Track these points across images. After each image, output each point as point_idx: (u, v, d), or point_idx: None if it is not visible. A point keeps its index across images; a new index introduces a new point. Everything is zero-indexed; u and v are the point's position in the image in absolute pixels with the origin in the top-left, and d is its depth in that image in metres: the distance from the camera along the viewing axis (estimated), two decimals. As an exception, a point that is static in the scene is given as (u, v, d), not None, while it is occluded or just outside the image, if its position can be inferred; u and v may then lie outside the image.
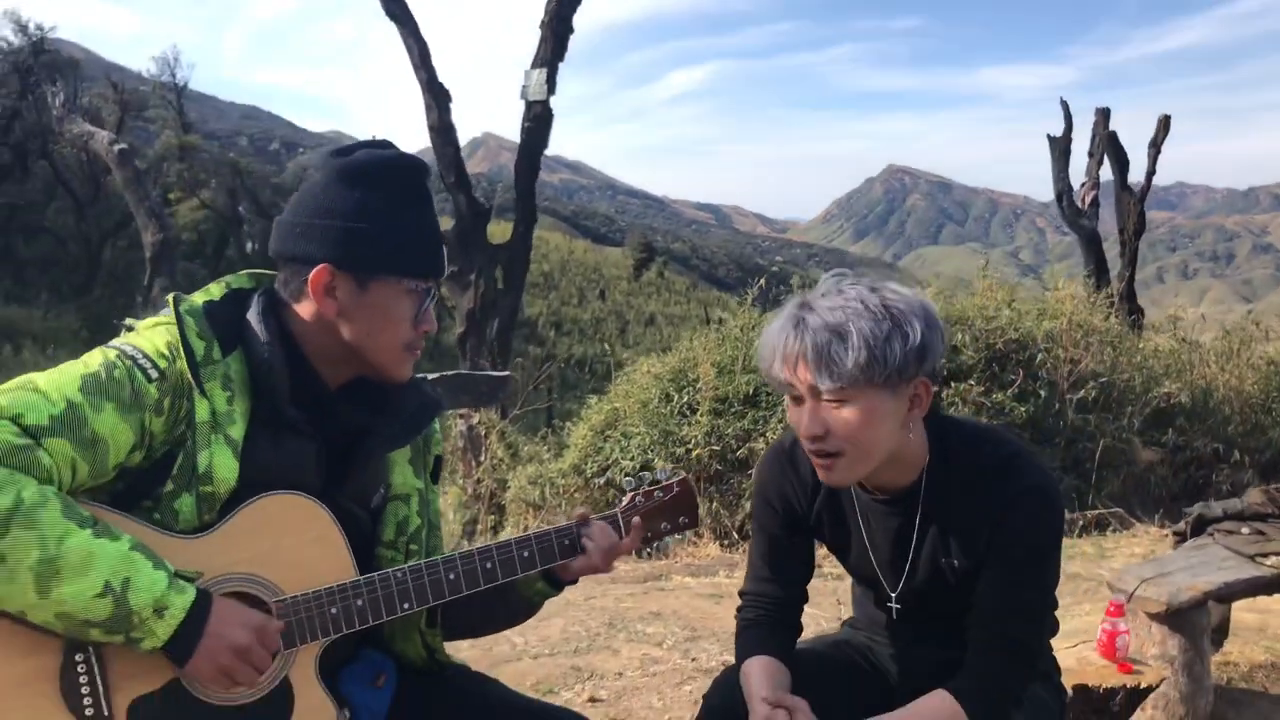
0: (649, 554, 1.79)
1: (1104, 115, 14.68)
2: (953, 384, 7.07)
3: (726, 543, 7.00)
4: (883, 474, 1.69)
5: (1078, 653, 2.59)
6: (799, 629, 1.89)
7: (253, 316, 1.55)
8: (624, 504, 1.76)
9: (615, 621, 4.54)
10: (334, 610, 1.51)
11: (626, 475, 1.84)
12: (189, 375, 1.45)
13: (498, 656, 4.03)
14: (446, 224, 11.72)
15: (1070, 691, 2.29)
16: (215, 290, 1.59)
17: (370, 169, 1.56)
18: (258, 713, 1.47)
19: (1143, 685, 2.41)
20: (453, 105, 10.59)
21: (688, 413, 7.48)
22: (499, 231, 12.52)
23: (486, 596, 1.64)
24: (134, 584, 1.33)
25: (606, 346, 10.57)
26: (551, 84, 10.53)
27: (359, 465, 1.62)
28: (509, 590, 1.68)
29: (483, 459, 8.71)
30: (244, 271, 1.65)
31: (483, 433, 8.72)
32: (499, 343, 10.41)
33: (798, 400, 1.61)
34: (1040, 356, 7.35)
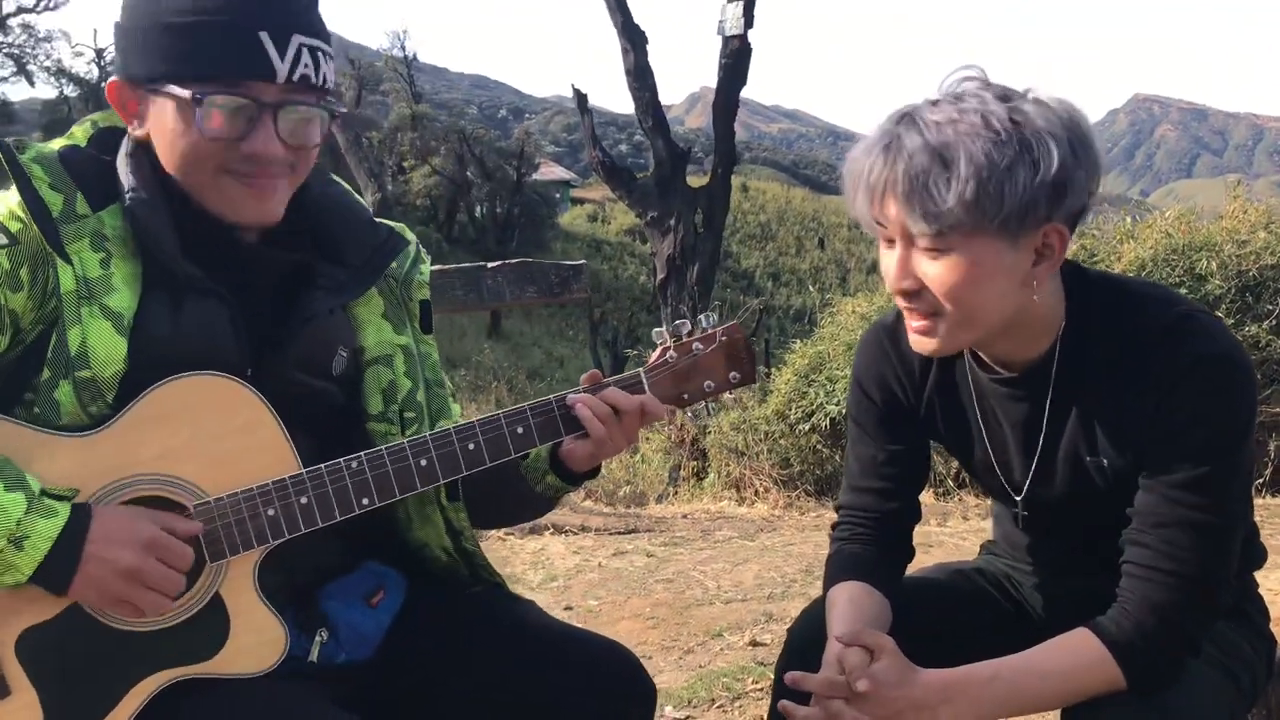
0: (694, 414, 1.45)
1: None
2: (1197, 316, 6.39)
3: (940, 490, 6.68)
4: (1001, 344, 1.34)
5: None
6: (909, 552, 1.55)
7: (120, 157, 1.28)
8: (653, 360, 1.43)
9: (813, 567, 4.39)
10: (270, 512, 1.24)
11: (658, 329, 1.50)
12: (42, 236, 1.19)
13: (689, 600, 3.95)
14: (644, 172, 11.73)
15: None
16: (78, 133, 1.32)
17: None
18: (184, 637, 1.23)
19: None
20: (650, 49, 10.50)
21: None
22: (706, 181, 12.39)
23: (485, 482, 1.37)
24: None
25: (814, 292, 10.24)
26: (749, 17, 10.20)
27: (297, 323, 1.33)
28: (510, 477, 1.40)
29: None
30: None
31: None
32: (700, 288, 10.28)
33: (890, 242, 1.27)
34: (1303, 283, 6.51)
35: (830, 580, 1.50)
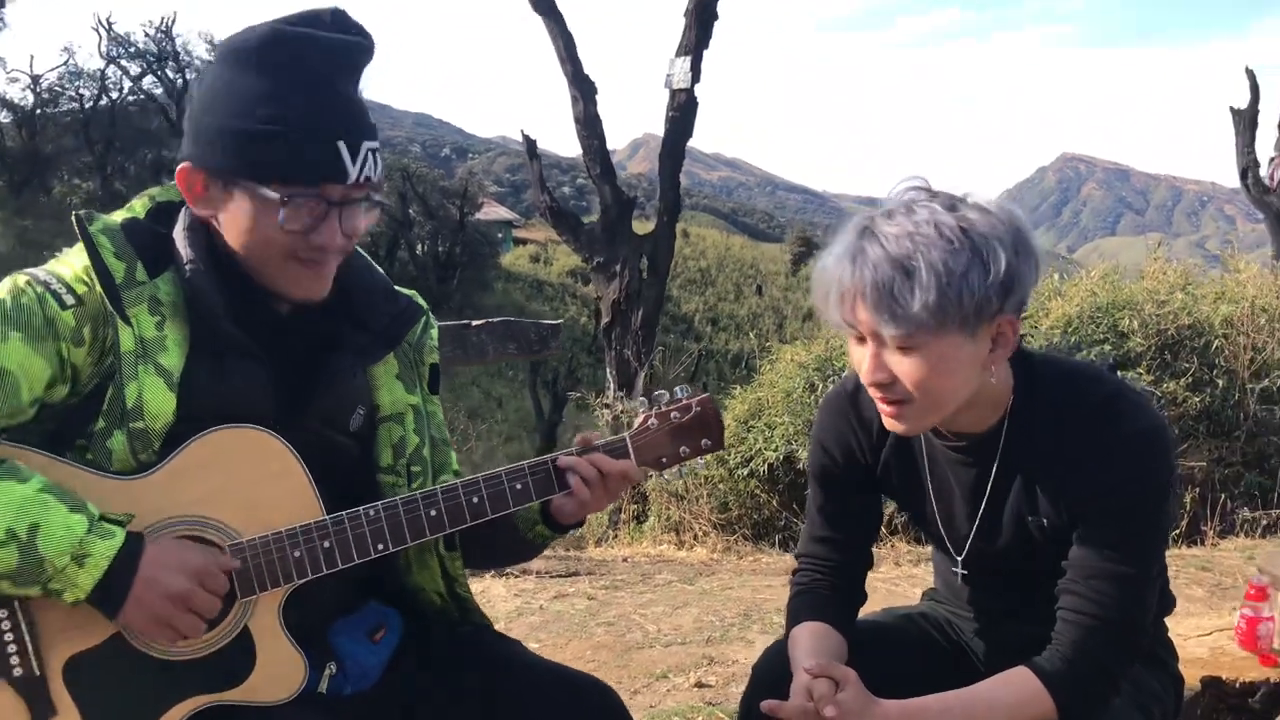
0: (669, 477, 1.62)
1: (1296, 84, 13.54)
2: (1119, 372, 6.66)
3: (874, 538, 6.81)
4: (960, 418, 1.48)
5: (1212, 641, 2.27)
6: (861, 596, 1.69)
7: (178, 231, 1.41)
8: (635, 427, 1.56)
9: (751, 612, 4.46)
10: (297, 554, 1.36)
11: (641, 397, 1.65)
12: (107, 301, 1.32)
13: (630, 643, 4.01)
14: (592, 217, 11.87)
15: (1200, 685, 2.02)
16: (138, 206, 1.45)
17: (241, 49, 1.35)
18: (215, 666, 1.35)
19: None
20: (599, 97, 10.67)
21: (832, 401, 7.28)
22: (650, 228, 12.55)
23: (482, 529, 1.48)
24: (45, 530, 1.20)
25: (752, 338, 10.42)
26: (696, 72, 10.43)
27: (324, 383, 1.46)
28: (503, 525, 1.51)
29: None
30: (172, 183, 1.44)
31: (626, 422, 8.75)
32: (644, 332, 10.40)
33: (860, 340, 1.41)
34: (1217, 343, 6.82)
35: (793, 620, 1.62)
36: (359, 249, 1.56)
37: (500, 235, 45.49)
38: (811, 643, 1.55)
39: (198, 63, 35.14)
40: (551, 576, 5.49)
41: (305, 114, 1.33)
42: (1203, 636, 2.32)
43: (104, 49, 35.84)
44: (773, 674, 1.55)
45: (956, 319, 1.32)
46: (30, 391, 1.28)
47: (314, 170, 1.34)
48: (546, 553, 6.53)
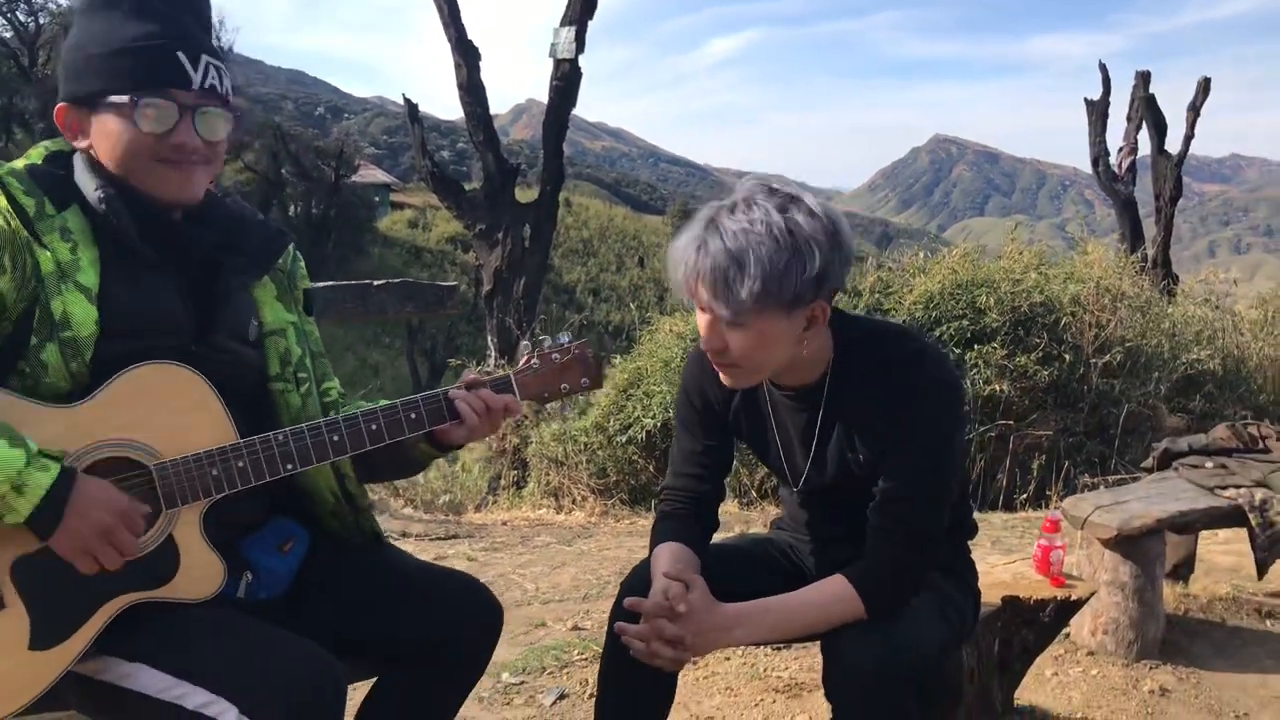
0: (550, 411, 1.84)
1: (1143, 78, 14.38)
2: (976, 346, 7.03)
3: (745, 500, 7.05)
4: (787, 375, 1.77)
5: (1015, 569, 2.62)
6: (715, 524, 1.96)
7: (79, 172, 1.59)
8: (519, 366, 1.80)
9: (625, 570, 4.60)
10: (215, 472, 1.54)
11: (524, 340, 1.91)
12: (24, 231, 1.49)
13: (510, 600, 4.15)
14: (474, 184, 11.79)
15: (1000, 603, 2.34)
16: (35, 154, 1.63)
17: None
18: (144, 568, 1.51)
19: (1073, 598, 2.42)
20: (482, 64, 10.61)
21: (708, 370, 7.47)
22: (533, 196, 12.54)
23: (374, 452, 1.67)
24: None
25: (633, 309, 10.57)
26: (580, 42, 10.49)
27: (221, 296, 1.65)
28: (395, 448, 1.70)
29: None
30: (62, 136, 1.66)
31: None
32: (526, 301, 10.46)
33: (703, 310, 1.65)
34: (1065, 320, 7.27)
35: (655, 541, 1.89)
36: (235, 195, 1.78)
37: (377, 199, 44.45)
38: (669, 557, 1.82)
39: (52, 6, 33.22)
40: (431, 540, 5.55)
41: (147, 33, 1.55)
42: (1007, 564, 2.68)
43: (-51, -11, 33.57)
44: (637, 583, 1.81)
45: (776, 304, 1.59)
46: None
47: (157, 76, 1.55)
48: (425, 516, 6.55)
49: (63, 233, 1.53)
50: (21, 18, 34.05)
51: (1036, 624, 2.41)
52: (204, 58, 1.59)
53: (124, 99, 1.54)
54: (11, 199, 1.51)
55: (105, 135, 1.57)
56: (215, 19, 1.79)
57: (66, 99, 1.59)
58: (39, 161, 1.61)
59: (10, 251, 1.47)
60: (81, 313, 1.49)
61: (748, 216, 1.58)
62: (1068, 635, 3.24)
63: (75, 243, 1.53)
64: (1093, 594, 2.61)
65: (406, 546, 5.13)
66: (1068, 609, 2.45)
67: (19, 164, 1.59)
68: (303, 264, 1.87)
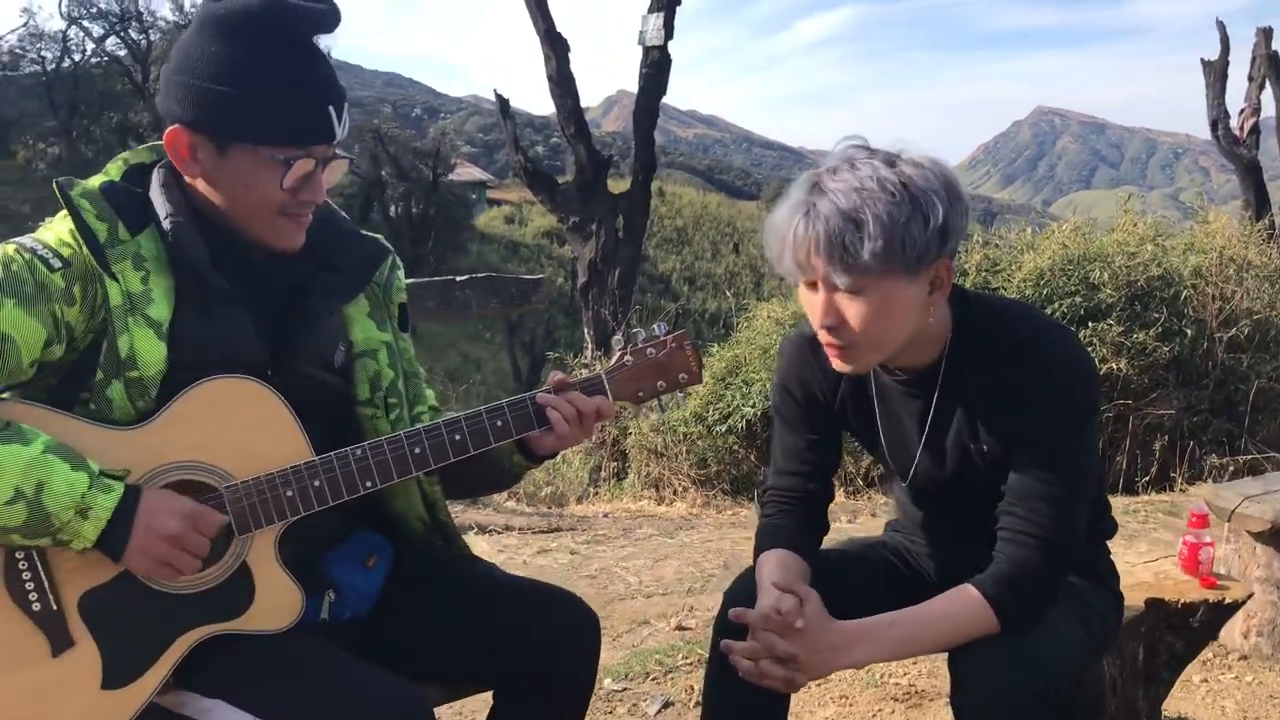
0: (649, 410, 1.71)
1: (1265, 35, 13.57)
2: (1090, 323, 6.72)
3: (851, 489, 6.91)
4: (902, 355, 1.60)
5: (1157, 567, 2.39)
6: (824, 526, 1.80)
7: (154, 191, 1.50)
8: (611, 364, 1.65)
9: (730, 563, 4.56)
10: (289, 493, 1.46)
11: (617, 334, 1.75)
12: (93, 260, 1.41)
13: (613, 594, 4.11)
14: (567, 177, 11.81)
15: (1144, 606, 2.14)
16: (113, 170, 1.53)
17: (232, 18, 1.43)
18: (216, 599, 1.45)
19: (1227, 600, 2.20)
20: (571, 56, 10.60)
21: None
22: (625, 187, 12.51)
23: (461, 464, 1.56)
24: (50, 488, 1.30)
25: (729, 296, 10.47)
26: (669, 28, 10.39)
27: (306, 324, 1.57)
28: (483, 457, 1.58)
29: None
30: (145, 145, 1.57)
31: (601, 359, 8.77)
32: (620, 292, 10.44)
33: (811, 285, 1.51)
34: (1186, 293, 6.90)
35: (761, 548, 1.73)
36: (333, 204, 1.67)
37: (474, 196, 45.10)
38: (778, 567, 1.66)
39: (162, 23, 34.47)
40: (534, 533, 5.56)
41: (301, 82, 1.45)
42: (1148, 563, 2.44)
43: (65, 9, 35.10)
44: (743, 593, 1.67)
45: (900, 265, 1.44)
46: (28, 354, 1.37)
47: (311, 135, 1.46)
48: (528, 510, 6.58)
49: (135, 260, 1.45)
50: (134, 35, 35.49)
51: (1185, 630, 2.19)
52: (345, 106, 1.50)
53: (276, 156, 1.44)
54: (82, 224, 1.42)
55: (234, 178, 1.47)
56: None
57: (190, 127, 1.46)
58: (117, 178, 1.52)
59: (81, 283, 1.41)
60: (149, 351, 1.42)
61: (855, 175, 1.44)
62: (1216, 638, 3.01)
63: (148, 271, 1.45)
64: (1249, 596, 2.37)
65: (510, 541, 5.15)
66: (1221, 613, 2.22)
67: (94, 182, 1.49)
68: (401, 274, 1.74)
